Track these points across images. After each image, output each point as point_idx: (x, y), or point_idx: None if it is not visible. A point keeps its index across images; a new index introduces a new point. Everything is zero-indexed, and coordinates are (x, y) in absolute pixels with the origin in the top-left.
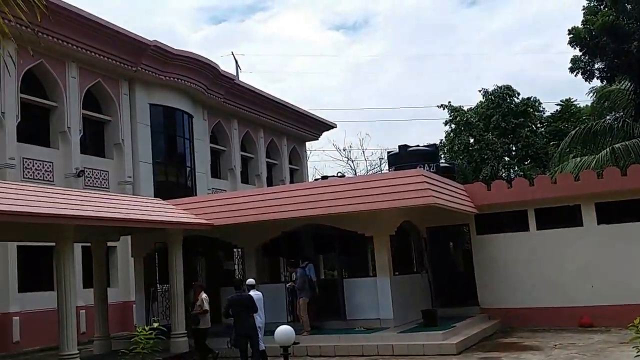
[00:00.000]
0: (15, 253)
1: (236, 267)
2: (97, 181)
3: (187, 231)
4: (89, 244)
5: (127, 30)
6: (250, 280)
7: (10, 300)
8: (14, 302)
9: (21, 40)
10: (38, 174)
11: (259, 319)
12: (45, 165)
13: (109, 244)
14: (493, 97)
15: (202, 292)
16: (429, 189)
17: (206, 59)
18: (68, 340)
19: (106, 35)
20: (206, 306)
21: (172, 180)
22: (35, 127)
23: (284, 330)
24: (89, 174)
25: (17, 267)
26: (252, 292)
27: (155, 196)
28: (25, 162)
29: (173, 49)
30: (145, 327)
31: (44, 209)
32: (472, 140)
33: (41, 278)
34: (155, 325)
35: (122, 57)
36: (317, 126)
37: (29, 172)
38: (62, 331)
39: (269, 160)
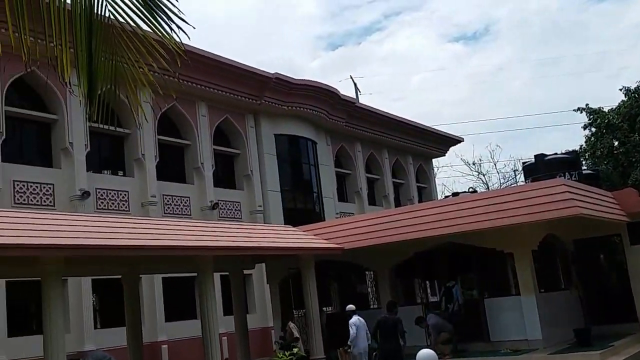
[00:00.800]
0: (161, 285)
1: (369, 289)
2: (230, 212)
3: (319, 256)
4: (226, 273)
5: (250, 67)
6: (350, 307)
7: (159, 330)
8: (162, 331)
9: (159, 86)
10: (177, 208)
11: (362, 344)
12: (183, 200)
13: (245, 272)
14: (637, 95)
15: (290, 322)
16: (573, 198)
17: (326, 85)
18: None
19: (231, 73)
20: (296, 334)
21: (301, 207)
22: (172, 165)
23: (426, 355)
24: (222, 205)
25: (163, 298)
26: (354, 318)
27: (285, 223)
28: (165, 198)
29: (294, 79)
30: (286, 353)
31: (183, 241)
32: (616, 143)
33: (185, 307)
34: (295, 350)
35: (246, 92)
36: (443, 141)
37: (168, 207)
38: (207, 358)
39: (395, 180)
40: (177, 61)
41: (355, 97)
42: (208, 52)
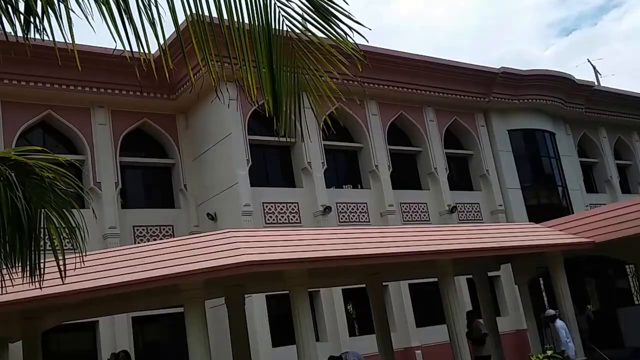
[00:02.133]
0: (408, 291)
1: (631, 285)
2: (469, 214)
3: (569, 252)
4: (470, 276)
5: (474, 65)
6: (550, 312)
7: (411, 335)
8: (415, 337)
9: (381, 97)
10: (415, 215)
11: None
12: (420, 206)
13: (493, 273)
14: None
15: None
16: None
17: (558, 72)
18: None
19: (455, 74)
20: (483, 330)
21: (545, 203)
22: (406, 173)
23: None
24: (461, 208)
25: (412, 304)
26: (557, 322)
27: (529, 221)
28: (403, 206)
29: (522, 71)
30: (539, 355)
31: (421, 247)
32: None
33: (435, 312)
34: (549, 353)
35: (473, 91)
36: None
37: (407, 215)
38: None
39: None
40: (359, 66)
41: (595, 80)
42: (429, 56)
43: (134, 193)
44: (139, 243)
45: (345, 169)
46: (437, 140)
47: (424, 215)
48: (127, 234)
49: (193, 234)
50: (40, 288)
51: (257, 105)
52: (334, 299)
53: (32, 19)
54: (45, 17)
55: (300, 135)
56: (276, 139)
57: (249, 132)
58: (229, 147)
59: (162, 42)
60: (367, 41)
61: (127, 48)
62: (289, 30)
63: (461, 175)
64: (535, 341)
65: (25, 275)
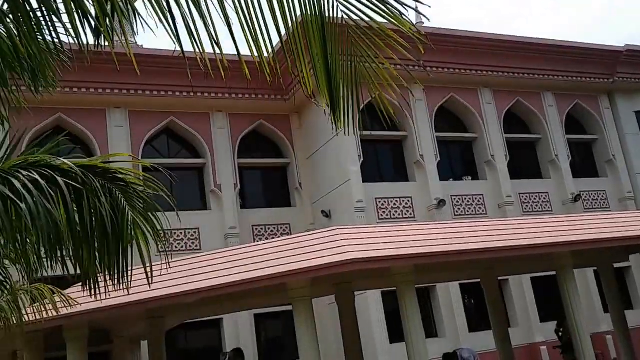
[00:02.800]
0: (530, 285)
1: None
2: (595, 202)
3: None
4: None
5: (596, 44)
6: None
7: (535, 331)
8: (539, 332)
9: (495, 84)
10: (536, 205)
11: None
12: (541, 196)
13: (624, 264)
14: None
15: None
16: None
17: None
18: None
19: (576, 55)
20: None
21: None
22: (524, 162)
23: None
24: (585, 196)
25: (535, 298)
26: None
27: None
28: (522, 196)
29: None
30: None
31: (534, 239)
32: None
33: (559, 306)
34: None
35: (595, 72)
36: None
37: (526, 205)
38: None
39: None
40: (420, 49)
41: None
42: (546, 39)
43: (252, 193)
44: (257, 242)
45: (459, 161)
46: (557, 126)
47: (546, 205)
48: (247, 233)
49: (309, 232)
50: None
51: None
52: (451, 293)
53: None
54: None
55: (412, 128)
56: (388, 132)
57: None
58: (340, 145)
59: (274, 46)
60: (429, 21)
61: (244, 53)
62: (344, 17)
63: (585, 162)
64: None
65: (125, 280)
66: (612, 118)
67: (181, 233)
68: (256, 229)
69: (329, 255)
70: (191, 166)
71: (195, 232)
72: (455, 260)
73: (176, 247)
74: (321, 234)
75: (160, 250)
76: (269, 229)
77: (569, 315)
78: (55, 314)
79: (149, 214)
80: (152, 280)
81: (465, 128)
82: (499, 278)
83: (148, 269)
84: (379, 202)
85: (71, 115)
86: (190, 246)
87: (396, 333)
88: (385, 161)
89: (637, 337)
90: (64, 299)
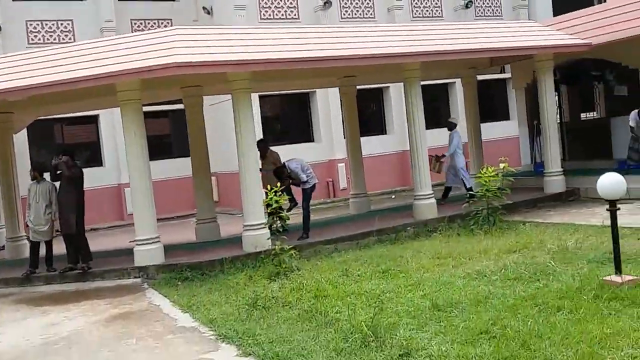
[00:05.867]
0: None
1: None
2: (488, 10)
3: (567, 55)
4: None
5: None
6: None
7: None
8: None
9: None
10: (427, 11)
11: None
12: (433, 1)
13: (500, 75)
14: None
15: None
16: None
17: None
18: (421, 182)
19: None
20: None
21: None
22: None
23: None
24: (479, 3)
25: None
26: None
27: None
28: (413, 1)
29: None
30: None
31: (389, 48)
32: None
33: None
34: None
35: None
36: None
37: (417, 10)
38: (415, 171)
39: None
40: None
41: None
42: None
43: None
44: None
45: None
46: None
47: (437, 10)
48: (125, 27)
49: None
50: None
51: None
52: (329, 102)
53: None
54: None
55: None
56: None
57: None
58: None
59: None
60: None
61: None
62: None
63: None
64: (524, 148)
65: None
66: None
67: (53, 24)
68: (135, 23)
69: (155, 58)
70: None
71: (69, 24)
72: (292, 68)
73: (48, 39)
74: (158, 34)
75: None
76: (149, 23)
77: (410, 126)
78: None
79: None
80: None
81: None
82: (373, 86)
83: None
84: (263, 2)
85: None
86: (63, 39)
87: (273, 136)
88: None
89: (498, 146)
90: None
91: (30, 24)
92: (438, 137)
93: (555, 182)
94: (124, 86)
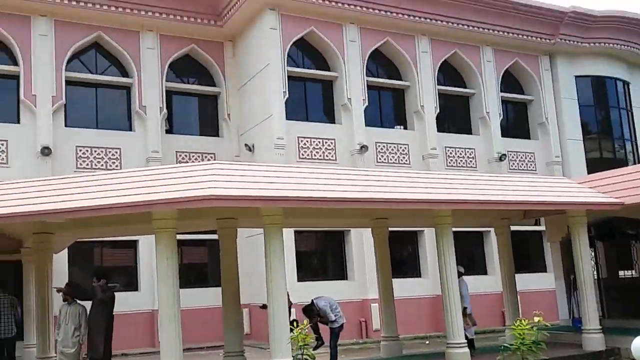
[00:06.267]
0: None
1: None
2: (522, 164)
3: (600, 213)
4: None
5: (541, 3)
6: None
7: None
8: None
9: (433, 33)
10: (460, 160)
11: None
12: (467, 152)
13: (534, 228)
14: None
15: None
16: None
17: (635, 13)
18: (454, 329)
19: (519, 12)
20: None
21: (608, 157)
22: (455, 116)
23: None
24: (512, 157)
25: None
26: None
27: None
28: (448, 150)
29: (594, 11)
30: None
31: (421, 194)
32: None
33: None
34: None
35: (538, 31)
36: None
37: (451, 159)
38: (447, 318)
39: None
40: None
41: None
42: None
43: (180, 119)
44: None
45: (389, 108)
46: (492, 82)
47: (471, 161)
48: (170, 158)
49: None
50: None
51: None
52: (364, 240)
53: None
54: None
55: (343, 70)
56: (317, 71)
57: (290, 64)
58: (266, 78)
59: None
60: None
61: None
62: None
63: (517, 122)
64: (562, 302)
65: None
66: (550, 80)
67: (102, 151)
68: (180, 155)
69: (191, 189)
70: (118, 85)
71: (117, 152)
72: (322, 207)
73: (95, 165)
74: (196, 167)
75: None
76: (193, 156)
77: (441, 272)
78: None
79: None
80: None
81: (399, 75)
82: (409, 229)
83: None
84: (302, 141)
85: None
86: (110, 166)
87: (306, 271)
88: (313, 100)
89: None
90: None
91: (80, 149)
92: (473, 283)
93: (594, 340)
94: (160, 215)
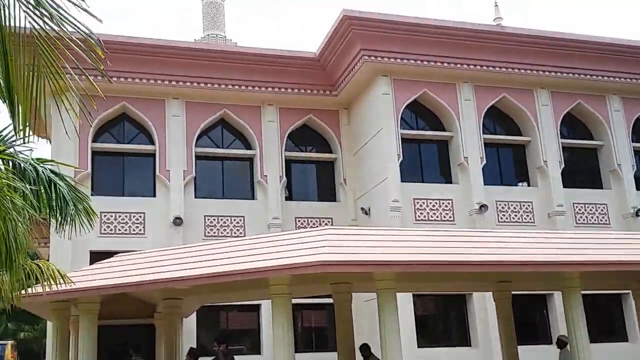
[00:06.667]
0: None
1: None
2: None
3: None
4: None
5: None
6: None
7: None
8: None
9: (553, 85)
10: (591, 217)
11: None
12: (599, 207)
13: None
14: None
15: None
16: None
17: None
18: None
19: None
20: None
21: None
22: (582, 170)
23: None
24: None
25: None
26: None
27: None
28: (576, 207)
29: None
30: None
31: (546, 256)
32: None
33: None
34: None
35: None
36: None
37: (580, 216)
38: None
39: None
40: (99, 64)
41: None
42: (612, 38)
43: (298, 186)
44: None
45: (509, 166)
46: (622, 133)
47: (603, 218)
48: (290, 224)
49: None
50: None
51: None
52: (487, 303)
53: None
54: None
55: (458, 129)
56: (431, 132)
57: (403, 126)
58: (380, 142)
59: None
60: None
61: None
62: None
63: None
64: None
65: None
66: None
67: (227, 219)
68: (299, 220)
69: (304, 255)
70: (242, 157)
71: (240, 220)
72: (438, 271)
73: (222, 232)
74: (310, 233)
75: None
76: (311, 221)
77: (571, 338)
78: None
79: None
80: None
81: (518, 130)
82: (534, 292)
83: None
84: (417, 202)
85: (134, 104)
86: (235, 233)
87: (427, 337)
88: (428, 161)
89: None
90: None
91: (208, 218)
92: (609, 351)
93: None
94: (275, 281)
